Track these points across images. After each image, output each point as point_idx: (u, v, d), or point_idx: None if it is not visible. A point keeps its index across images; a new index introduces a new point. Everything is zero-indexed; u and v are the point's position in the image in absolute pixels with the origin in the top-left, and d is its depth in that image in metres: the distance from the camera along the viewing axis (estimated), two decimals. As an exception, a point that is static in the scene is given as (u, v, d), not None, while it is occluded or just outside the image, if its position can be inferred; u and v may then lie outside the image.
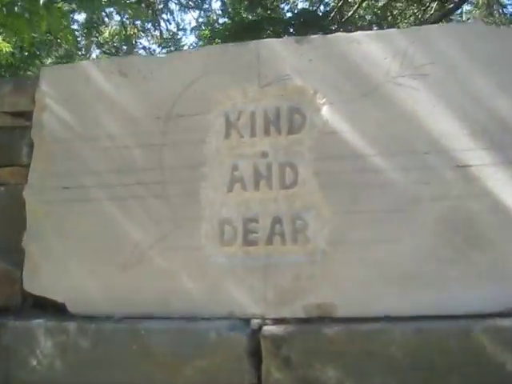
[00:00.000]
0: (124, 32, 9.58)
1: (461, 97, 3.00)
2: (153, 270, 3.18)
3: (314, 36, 3.18)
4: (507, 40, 3.07)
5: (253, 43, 3.23)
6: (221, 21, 9.78)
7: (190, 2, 9.44)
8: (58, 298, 3.27)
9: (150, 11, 9.16)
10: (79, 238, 3.30)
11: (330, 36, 3.20)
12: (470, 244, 2.93)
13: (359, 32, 3.14)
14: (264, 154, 3.16)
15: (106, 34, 10.01)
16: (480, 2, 11.89)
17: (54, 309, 3.26)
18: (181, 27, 10.51)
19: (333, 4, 10.83)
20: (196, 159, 3.23)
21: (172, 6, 9.42)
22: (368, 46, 3.10)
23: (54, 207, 3.34)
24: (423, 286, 2.93)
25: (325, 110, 3.11)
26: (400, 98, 3.05)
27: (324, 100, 3.11)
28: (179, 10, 9.88)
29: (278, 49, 3.19)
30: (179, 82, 3.29)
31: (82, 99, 3.40)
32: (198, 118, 3.24)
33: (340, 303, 3.00)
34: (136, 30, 10.17)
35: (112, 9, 8.60)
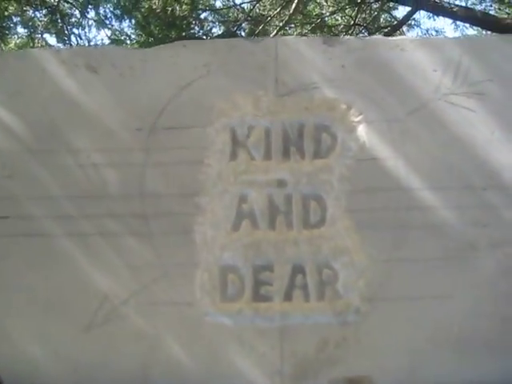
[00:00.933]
0: (31, 44, 8.79)
1: (524, 122, 2.52)
2: (127, 333, 2.53)
3: (347, 37, 2.57)
4: None
5: (270, 40, 2.59)
6: (133, 40, 9.24)
7: (105, 20, 8.78)
8: (-10, 368, 2.53)
9: (61, 25, 8.43)
10: (22, 287, 2.54)
11: (366, 38, 2.64)
12: (537, 301, 2.48)
13: (402, 37, 2.59)
14: (282, 183, 2.52)
15: (12, 45, 9.18)
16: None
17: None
18: (92, 43, 9.72)
19: (249, 29, 10.40)
20: (190, 186, 2.54)
21: (85, 21, 8.71)
22: (413, 54, 2.55)
23: (-15, 243, 2.58)
24: (483, 351, 2.46)
25: (361, 130, 2.49)
26: (453, 119, 2.52)
27: (360, 117, 2.50)
28: (92, 25, 9.17)
29: (301, 49, 2.54)
30: (169, 83, 2.57)
31: (33, 98, 2.58)
32: (193, 132, 2.54)
33: (379, 376, 2.46)
34: (44, 43, 9.37)
35: (19, 19, 7.98)
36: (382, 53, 2.55)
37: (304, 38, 2.66)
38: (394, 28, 7.64)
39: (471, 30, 9.14)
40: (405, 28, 8.75)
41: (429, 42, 2.63)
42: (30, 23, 7.69)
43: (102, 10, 7.49)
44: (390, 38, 2.58)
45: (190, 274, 2.48)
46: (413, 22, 8.67)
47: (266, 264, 2.48)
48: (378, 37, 2.70)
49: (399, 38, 2.62)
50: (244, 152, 2.53)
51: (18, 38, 8.53)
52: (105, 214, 2.51)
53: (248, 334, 2.47)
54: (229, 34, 7.54)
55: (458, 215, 2.48)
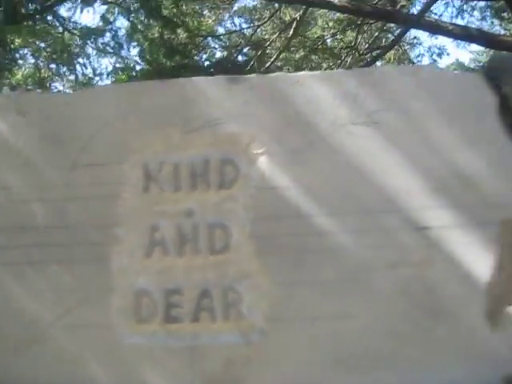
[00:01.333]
0: (38, 74, 9.12)
1: (419, 148, 2.63)
2: (53, 354, 2.68)
3: (250, 75, 2.73)
4: (466, 86, 2.71)
5: (178, 81, 2.75)
6: (138, 67, 9.55)
7: (108, 48, 9.11)
8: None
9: (65, 54, 8.80)
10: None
11: (268, 76, 2.78)
12: (432, 318, 2.56)
13: (302, 72, 2.72)
14: (190, 213, 2.67)
15: (19, 76, 9.54)
16: (392, 58, 11.90)
17: None
18: (97, 72, 10.02)
19: (250, 54, 10.60)
20: (108, 217, 2.71)
21: (89, 50, 9.04)
22: (312, 88, 2.68)
23: None
24: (379, 368, 2.55)
25: (262, 162, 2.65)
26: (351, 148, 2.64)
27: (262, 150, 2.66)
28: (96, 54, 9.47)
29: (207, 88, 2.72)
30: (89, 124, 2.75)
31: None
32: (110, 168, 2.72)
33: (283, 393, 2.54)
34: (50, 73, 9.72)
35: (26, 50, 8.39)
36: (282, 88, 2.68)
37: (209, 78, 2.80)
38: (388, 48, 7.74)
39: (474, 46, 9.14)
40: (407, 47, 8.83)
41: (326, 76, 2.75)
42: (37, 54, 8.07)
43: (104, 40, 7.81)
44: (290, 74, 2.73)
45: (108, 299, 2.64)
46: (414, 41, 8.75)
47: (176, 288, 2.63)
48: (279, 73, 2.86)
49: (300, 73, 2.71)
50: (156, 186, 2.70)
51: (25, 68, 8.90)
52: (32, 244, 2.70)
53: (161, 354, 2.61)
54: (229, 60, 7.76)
55: (354, 239, 2.59)
